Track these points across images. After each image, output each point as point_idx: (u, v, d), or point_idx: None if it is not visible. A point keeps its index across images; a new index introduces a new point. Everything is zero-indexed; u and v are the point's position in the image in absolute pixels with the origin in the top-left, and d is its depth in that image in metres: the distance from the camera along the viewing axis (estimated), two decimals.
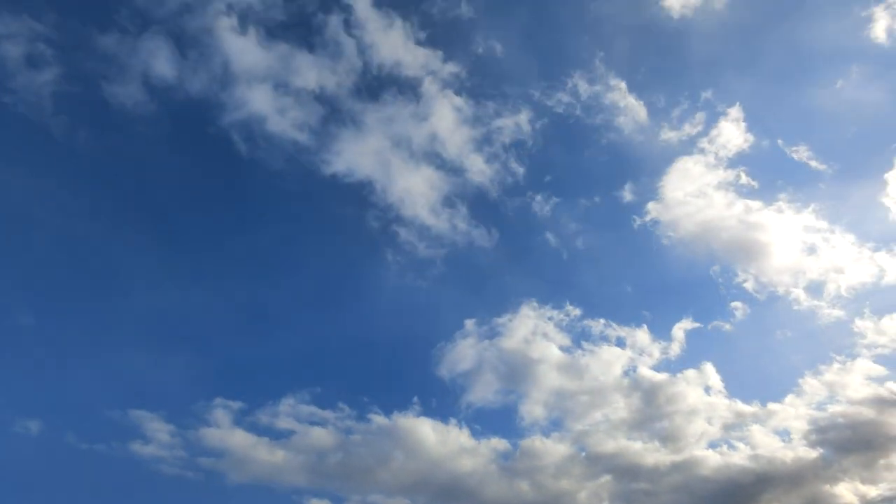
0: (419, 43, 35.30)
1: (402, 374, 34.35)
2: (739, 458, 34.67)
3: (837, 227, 37.78)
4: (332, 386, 32.39)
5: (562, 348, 35.46)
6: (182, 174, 33.21)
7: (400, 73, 34.84)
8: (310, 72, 33.54)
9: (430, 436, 32.65)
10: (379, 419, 32.27)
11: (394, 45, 34.52)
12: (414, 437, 32.52)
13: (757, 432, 35.40)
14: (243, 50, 31.86)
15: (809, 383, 36.23)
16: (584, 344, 35.65)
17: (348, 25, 33.72)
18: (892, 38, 37.48)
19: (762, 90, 40.55)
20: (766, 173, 38.55)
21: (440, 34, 35.94)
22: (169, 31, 30.49)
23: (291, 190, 34.78)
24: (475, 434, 33.44)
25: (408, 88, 35.14)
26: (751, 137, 38.27)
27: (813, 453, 34.71)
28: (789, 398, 35.86)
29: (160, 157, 32.28)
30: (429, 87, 35.59)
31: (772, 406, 35.84)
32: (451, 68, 36.13)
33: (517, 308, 35.31)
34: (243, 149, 33.11)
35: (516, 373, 34.80)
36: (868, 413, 35.29)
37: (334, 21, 33.52)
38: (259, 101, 32.30)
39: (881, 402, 35.61)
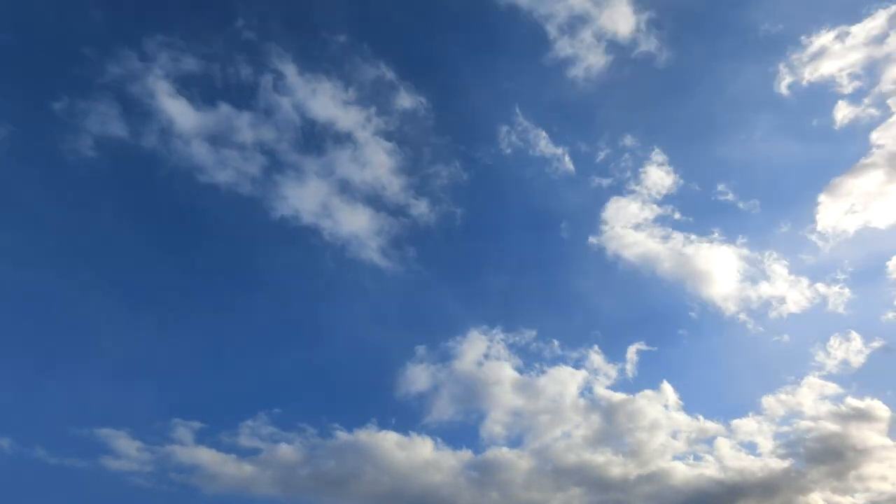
0: (348, 102, 38.16)
1: (360, 397, 35.75)
2: (710, 469, 35.20)
3: (771, 259, 40.66)
4: (292, 408, 33.73)
5: (517, 369, 37.08)
6: (138, 222, 35.26)
7: (334, 126, 37.60)
8: (248, 128, 36.15)
9: (395, 449, 33.68)
10: (343, 435, 33.61)
11: (325, 103, 37.33)
12: (380, 450, 33.55)
13: (723, 446, 36.50)
14: (184, 112, 34.94)
15: (769, 401, 37.91)
16: (538, 365, 37.29)
17: (279, 88, 36.89)
18: (794, 91, 41.73)
19: (681, 137, 43.67)
20: (697, 210, 41.42)
21: (367, 93, 38.61)
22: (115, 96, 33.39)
23: (245, 233, 37.01)
24: (439, 446, 34.52)
25: (344, 139, 37.99)
26: (678, 179, 40.92)
27: (783, 464, 35.58)
28: (751, 416, 37.32)
29: (118, 208, 34.69)
30: (364, 136, 38.39)
31: (735, 422, 37.14)
32: (382, 122, 38.86)
33: (466, 332, 37.19)
34: (194, 198, 35.68)
35: (473, 393, 36.19)
36: (833, 427, 36.60)
37: (267, 82, 36.61)
38: (203, 155, 35.02)
39: (843, 417, 37.03)
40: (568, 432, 35.51)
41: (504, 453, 34.39)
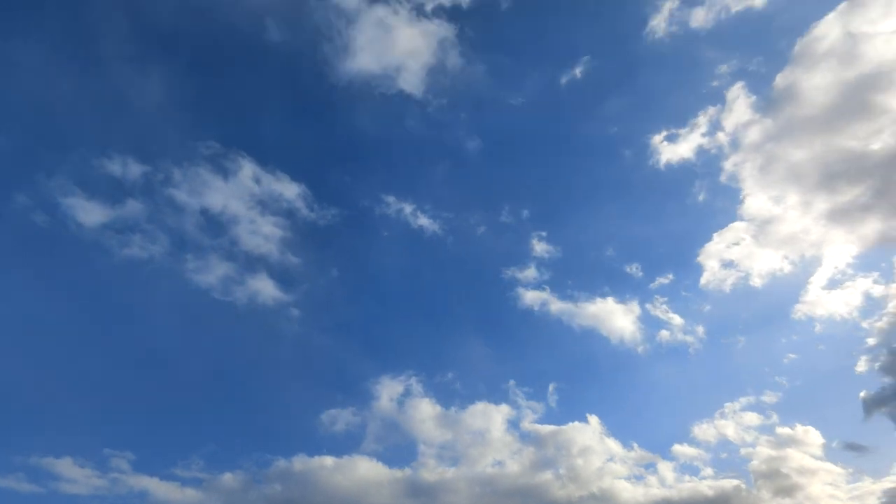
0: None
1: (290, 433, 37.20)
2: (655, 489, 35.16)
3: (665, 310, 44.20)
4: (229, 443, 35.40)
5: (438, 405, 39.30)
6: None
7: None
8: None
9: (335, 471, 34.99)
10: (282, 462, 34.99)
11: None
12: (322, 472, 34.81)
13: (665, 469, 37.24)
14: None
15: (700, 429, 40.82)
16: (458, 402, 39.71)
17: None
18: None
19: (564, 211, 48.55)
20: (589, 276, 45.24)
21: None
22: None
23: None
24: (377, 465, 35.81)
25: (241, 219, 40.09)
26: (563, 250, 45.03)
27: (734, 482, 37.40)
28: (685, 444, 40.01)
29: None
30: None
31: (674, 448, 39.88)
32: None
33: (379, 377, 39.40)
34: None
35: (396, 426, 37.99)
36: (770, 451, 38.72)
37: None
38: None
39: (778, 443, 39.00)
40: (500, 460, 37.64)
41: (442, 472, 36.22)
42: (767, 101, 41.52)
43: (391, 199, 41.59)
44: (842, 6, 38.24)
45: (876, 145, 37.24)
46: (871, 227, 39.10)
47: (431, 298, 43.38)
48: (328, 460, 34.58)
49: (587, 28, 44.75)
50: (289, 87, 42.04)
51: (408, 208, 41.74)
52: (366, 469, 35.45)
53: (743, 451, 39.24)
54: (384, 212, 41.45)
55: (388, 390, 38.36)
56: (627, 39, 44.73)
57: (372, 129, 43.09)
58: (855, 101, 37.52)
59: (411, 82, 41.11)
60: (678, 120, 44.08)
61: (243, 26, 39.02)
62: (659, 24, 43.25)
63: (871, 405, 38.34)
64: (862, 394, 38.70)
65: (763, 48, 42.43)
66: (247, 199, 37.33)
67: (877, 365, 39.11)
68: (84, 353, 34.63)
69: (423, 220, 41.62)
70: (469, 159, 44.88)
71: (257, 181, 37.73)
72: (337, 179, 41.76)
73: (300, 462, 34.46)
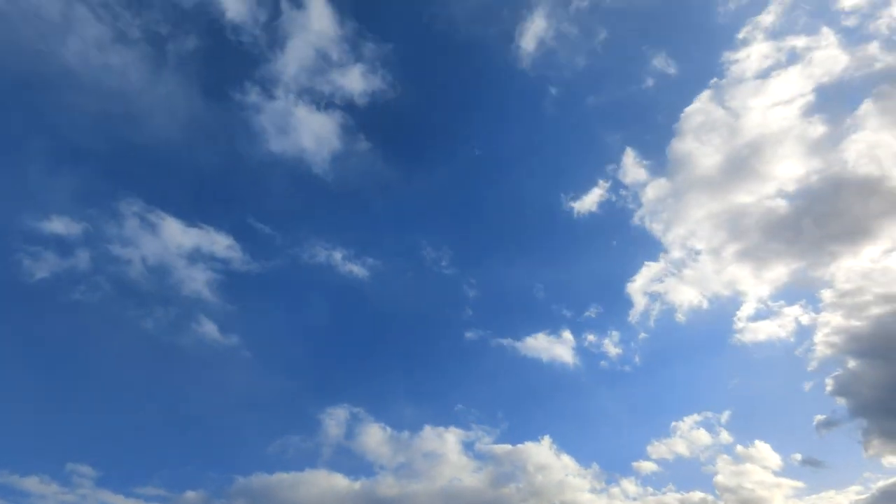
0: None
1: (249, 456, 37.93)
2: (620, 502, 37.31)
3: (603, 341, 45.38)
4: (188, 465, 36.07)
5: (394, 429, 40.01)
6: None
7: None
8: None
9: (296, 485, 35.59)
10: (241, 479, 35.93)
11: None
12: (282, 488, 35.39)
13: (628, 484, 38.06)
14: None
15: (655, 448, 41.96)
16: (409, 427, 40.43)
17: None
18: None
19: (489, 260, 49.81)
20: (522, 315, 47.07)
21: None
22: None
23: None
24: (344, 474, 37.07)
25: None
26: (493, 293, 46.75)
27: (700, 495, 39.16)
28: (641, 461, 41.31)
29: None
30: None
31: (635, 464, 41.12)
32: None
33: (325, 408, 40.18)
34: None
35: (355, 449, 39.06)
36: (731, 467, 40.55)
37: None
38: None
39: (735, 459, 41.11)
40: (459, 477, 38.75)
41: (402, 487, 36.89)
42: (661, 165, 45.89)
43: (320, 247, 42.76)
44: (713, 85, 44.48)
45: (768, 202, 43.10)
46: (778, 270, 43.79)
47: (364, 337, 44.98)
48: (288, 476, 35.80)
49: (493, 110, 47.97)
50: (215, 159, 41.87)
51: (337, 255, 43.06)
52: (326, 482, 36.40)
53: (703, 467, 40.86)
54: (316, 260, 42.62)
55: (335, 418, 39.68)
56: (524, 118, 48.17)
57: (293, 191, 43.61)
58: (738, 164, 43.60)
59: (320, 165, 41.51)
60: (582, 180, 47.55)
61: None
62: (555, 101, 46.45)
63: (822, 425, 41.06)
64: (819, 417, 41.34)
65: (649, 122, 47.17)
66: (180, 250, 38.32)
67: (826, 386, 41.50)
68: (49, 385, 35.67)
69: (353, 266, 43.15)
70: (393, 211, 46.78)
71: (186, 235, 38.79)
72: (264, 231, 42.13)
73: (259, 479, 35.65)
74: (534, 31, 45.29)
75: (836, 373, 41.47)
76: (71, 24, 33.24)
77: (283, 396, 40.86)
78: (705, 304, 45.33)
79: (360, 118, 43.26)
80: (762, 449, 40.74)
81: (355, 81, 41.74)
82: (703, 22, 48.13)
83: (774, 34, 44.82)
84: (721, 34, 46.66)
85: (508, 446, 40.28)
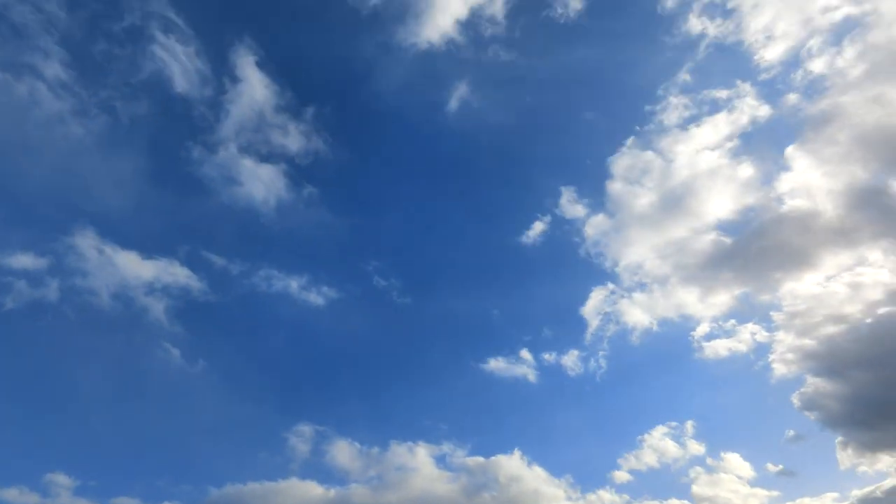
0: None
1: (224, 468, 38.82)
2: None
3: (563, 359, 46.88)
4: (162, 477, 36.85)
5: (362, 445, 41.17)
6: None
7: None
8: None
9: (272, 494, 36.35)
10: (214, 490, 36.87)
11: None
12: (256, 497, 36.19)
13: (603, 494, 40.75)
14: None
15: (626, 461, 42.90)
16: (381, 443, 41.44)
17: None
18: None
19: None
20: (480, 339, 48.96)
21: None
22: None
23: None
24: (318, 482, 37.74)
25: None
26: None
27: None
28: (615, 472, 42.31)
29: None
30: None
31: (610, 474, 42.01)
32: None
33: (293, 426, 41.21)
34: None
35: (326, 463, 40.00)
36: (706, 476, 42.20)
37: None
38: None
39: (708, 469, 42.46)
40: (433, 488, 39.39)
41: (377, 497, 37.57)
42: (600, 203, 48.85)
43: (275, 277, 44.34)
44: (640, 132, 47.90)
45: (706, 235, 46.43)
46: (724, 296, 46.39)
47: (325, 361, 45.86)
48: (262, 486, 36.68)
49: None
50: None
51: (293, 284, 44.61)
52: (300, 490, 37.06)
53: (677, 477, 42.04)
54: (273, 289, 44.23)
55: (302, 436, 40.52)
56: (458, 166, 51.28)
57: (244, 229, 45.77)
58: (674, 203, 47.19)
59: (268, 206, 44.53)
60: (524, 217, 49.86)
61: None
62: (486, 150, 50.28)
63: (792, 437, 43.25)
64: (790, 431, 43.62)
65: (581, 165, 50.22)
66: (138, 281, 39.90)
67: (792, 399, 43.65)
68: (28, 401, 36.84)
69: (310, 295, 44.77)
70: (346, 246, 48.50)
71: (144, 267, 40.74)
72: (220, 263, 43.45)
73: (233, 489, 36.39)
74: (460, 95, 48.84)
75: (802, 389, 43.64)
76: (36, 100, 36.49)
77: (250, 416, 41.84)
78: (658, 327, 47.28)
79: (303, 170, 46.00)
80: (734, 459, 42.40)
81: (295, 140, 44.63)
82: (626, 80, 52.33)
83: (695, 87, 49.20)
84: (643, 90, 50.90)
85: (480, 458, 41.26)
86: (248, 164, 42.79)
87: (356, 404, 43.90)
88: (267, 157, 43.75)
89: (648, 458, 42.45)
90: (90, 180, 40.48)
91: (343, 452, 40.27)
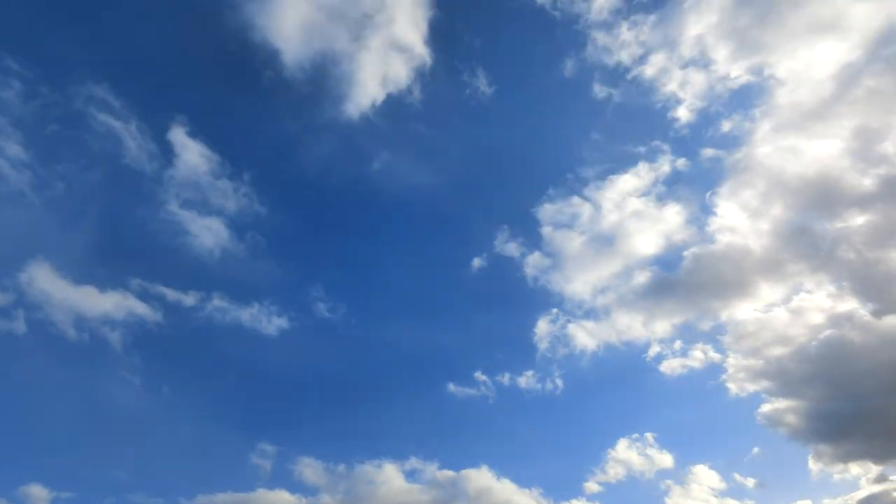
0: None
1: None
2: None
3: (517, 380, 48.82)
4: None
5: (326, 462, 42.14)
6: None
7: None
8: None
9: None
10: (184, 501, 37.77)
11: None
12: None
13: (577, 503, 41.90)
14: None
15: (590, 474, 44.21)
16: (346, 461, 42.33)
17: None
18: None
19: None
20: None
21: None
22: None
23: None
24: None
25: None
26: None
27: None
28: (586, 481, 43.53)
29: None
30: None
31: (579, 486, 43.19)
32: None
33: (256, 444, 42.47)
34: None
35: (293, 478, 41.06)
36: (678, 487, 43.65)
37: None
38: None
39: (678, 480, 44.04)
40: (404, 500, 40.22)
41: None
42: (533, 244, 51.61)
43: (230, 309, 46.04)
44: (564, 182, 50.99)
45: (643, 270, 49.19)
46: (667, 323, 48.86)
47: (284, 386, 47.28)
48: (231, 497, 37.53)
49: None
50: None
51: (245, 314, 46.30)
52: (272, 499, 37.96)
53: (647, 489, 43.16)
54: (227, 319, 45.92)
55: (265, 454, 41.50)
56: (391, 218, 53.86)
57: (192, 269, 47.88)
58: (606, 243, 50.03)
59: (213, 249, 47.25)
60: (462, 255, 52.36)
61: None
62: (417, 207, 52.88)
63: (759, 448, 45.01)
64: (755, 448, 45.43)
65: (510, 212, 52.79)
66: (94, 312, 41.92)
67: (753, 413, 45.71)
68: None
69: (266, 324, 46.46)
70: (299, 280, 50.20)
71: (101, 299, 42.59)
72: (174, 296, 45.43)
73: (205, 500, 37.16)
74: (385, 161, 51.78)
75: (763, 406, 45.92)
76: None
77: (214, 437, 42.77)
78: (607, 349, 49.09)
79: (245, 224, 48.23)
80: (703, 471, 43.87)
81: (234, 202, 47.31)
82: (544, 141, 55.42)
83: (610, 144, 52.90)
84: (562, 149, 54.54)
85: (450, 472, 41.95)
86: (193, 216, 45.65)
87: (317, 426, 45.07)
88: (210, 213, 46.56)
89: (617, 470, 43.65)
90: (49, 228, 43.29)
91: (308, 469, 41.04)
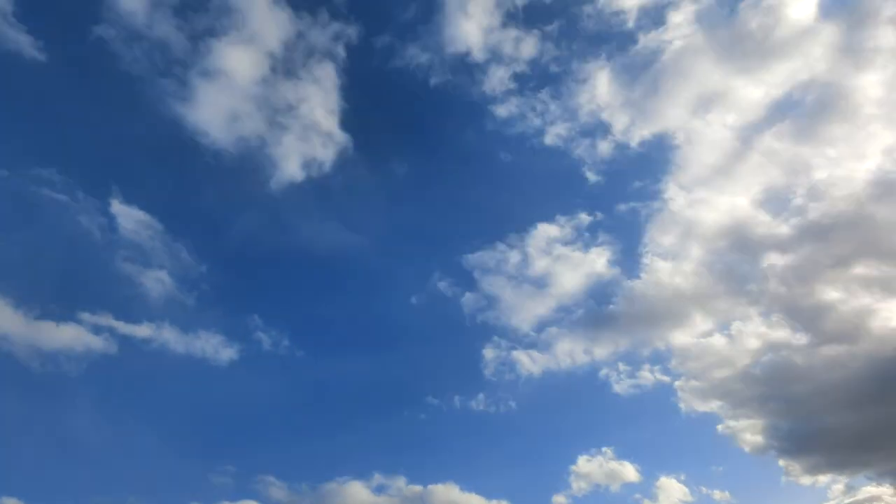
0: None
1: None
2: None
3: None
4: None
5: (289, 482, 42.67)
6: None
7: None
8: None
9: None
10: None
11: None
12: None
13: None
14: None
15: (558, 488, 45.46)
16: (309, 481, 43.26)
17: None
18: None
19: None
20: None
21: None
22: None
23: None
24: None
25: None
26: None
27: None
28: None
29: None
30: None
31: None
32: None
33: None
34: None
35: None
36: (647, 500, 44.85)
37: None
38: None
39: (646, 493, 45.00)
40: None
41: None
42: (467, 284, 53.93)
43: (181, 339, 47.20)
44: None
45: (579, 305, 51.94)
46: (608, 348, 51.29)
47: (237, 414, 47.97)
48: None
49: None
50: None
51: (198, 344, 47.45)
52: None
53: (619, 502, 44.70)
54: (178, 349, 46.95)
55: (225, 473, 42.31)
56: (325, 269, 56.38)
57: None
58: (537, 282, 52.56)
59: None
60: (398, 295, 54.89)
61: None
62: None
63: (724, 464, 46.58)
64: (720, 466, 47.02)
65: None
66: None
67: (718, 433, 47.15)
68: None
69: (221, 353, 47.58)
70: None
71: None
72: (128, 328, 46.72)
73: None
74: (310, 227, 55.32)
75: (720, 424, 47.69)
76: None
77: (175, 461, 43.34)
78: (558, 372, 50.97)
79: (189, 280, 49.67)
80: (669, 484, 45.24)
81: (178, 263, 49.24)
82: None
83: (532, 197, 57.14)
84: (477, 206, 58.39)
85: (418, 487, 43.03)
86: (139, 268, 47.34)
87: (276, 448, 46.04)
88: (154, 267, 48.26)
89: (580, 485, 44.98)
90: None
91: (271, 488, 41.91)
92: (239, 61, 46.84)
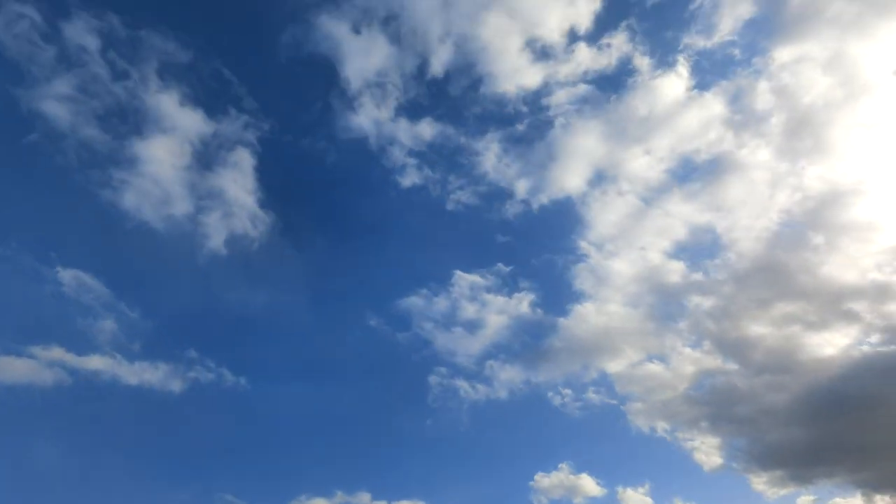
0: None
1: None
2: None
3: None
4: None
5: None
6: None
7: None
8: None
9: None
10: None
11: None
12: None
13: None
14: None
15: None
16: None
17: None
18: None
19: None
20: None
21: None
22: None
23: None
24: None
25: None
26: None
27: None
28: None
29: None
30: None
31: None
32: None
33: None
34: None
35: None
36: None
37: None
38: None
39: None
40: None
41: None
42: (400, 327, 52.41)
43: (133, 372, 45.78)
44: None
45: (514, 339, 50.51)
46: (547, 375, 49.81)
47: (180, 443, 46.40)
48: None
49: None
50: None
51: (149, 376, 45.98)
52: None
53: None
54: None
55: (184, 498, 41.53)
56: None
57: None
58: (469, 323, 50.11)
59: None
60: (337, 331, 53.59)
61: None
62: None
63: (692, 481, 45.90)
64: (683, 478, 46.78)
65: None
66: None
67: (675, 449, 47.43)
68: None
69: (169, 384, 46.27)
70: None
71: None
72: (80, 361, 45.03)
73: None
74: (236, 291, 53.09)
75: (675, 441, 47.37)
76: None
77: (135, 486, 42.12)
78: (500, 400, 49.56)
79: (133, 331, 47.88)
80: (634, 497, 44.68)
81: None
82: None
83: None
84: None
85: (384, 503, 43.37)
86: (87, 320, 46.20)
87: (236, 469, 44.85)
88: (100, 319, 47.05)
89: (542, 499, 44.18)
90: None
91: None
92: (163, 153, 50.02)
